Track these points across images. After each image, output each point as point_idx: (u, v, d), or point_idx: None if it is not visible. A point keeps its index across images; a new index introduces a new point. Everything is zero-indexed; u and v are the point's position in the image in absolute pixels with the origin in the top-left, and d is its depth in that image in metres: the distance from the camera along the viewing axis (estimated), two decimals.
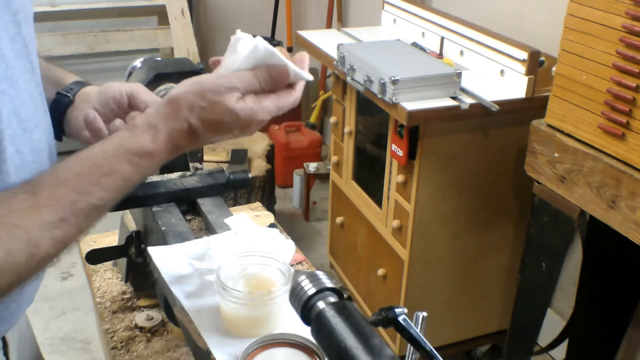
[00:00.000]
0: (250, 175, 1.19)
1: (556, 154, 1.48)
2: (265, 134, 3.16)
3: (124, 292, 1.27)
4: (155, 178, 1.10)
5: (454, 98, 1.80)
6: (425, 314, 0.68)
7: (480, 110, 1.77)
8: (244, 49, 0.78)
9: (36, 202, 0.64)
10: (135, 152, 0.71)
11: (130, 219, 1.28)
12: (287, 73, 0.76)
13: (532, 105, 1.80)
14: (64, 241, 0.67)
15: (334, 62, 2.09)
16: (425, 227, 1.96)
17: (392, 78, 1.74)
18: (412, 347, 0.68)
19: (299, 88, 0.79)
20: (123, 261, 1.24)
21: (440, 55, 2.19)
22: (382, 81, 1.78)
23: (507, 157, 1.97)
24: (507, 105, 1.79)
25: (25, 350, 0.93)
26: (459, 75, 1.80)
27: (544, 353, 2.06)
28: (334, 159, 2.46)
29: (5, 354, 0.83)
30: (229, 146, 2.85)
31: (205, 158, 1.99)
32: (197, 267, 0.98)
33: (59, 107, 0.92)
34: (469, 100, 1.78)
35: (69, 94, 0.93)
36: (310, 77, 0.80)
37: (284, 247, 1.04)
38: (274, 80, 0.76)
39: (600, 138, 1.36)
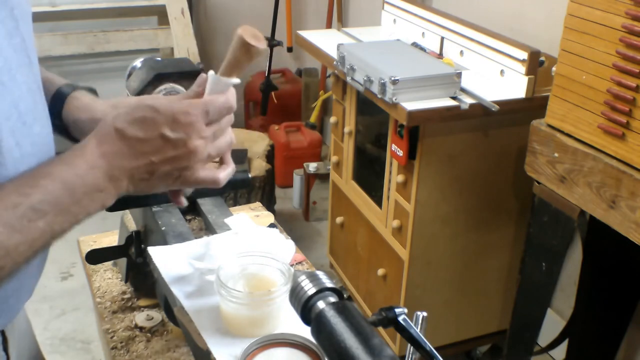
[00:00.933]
0: (250, 175, 1.19)
1: (556, 154, 1.48)
2: (265, 134, 3.16)
3: (124, 292, 1.27)
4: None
5: (454, 98, 1.80)
6: (425, 314, 0.68)
7: (480, 110, 1.77)
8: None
9: None
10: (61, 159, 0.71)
11: (130, 219, 1.28)
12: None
13: (532, 105, 1.80)
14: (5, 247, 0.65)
15: (334, 62, 2.09)
16: (425, 227, 1.96)
17: (392, 78, 1.74)
18: (412, 347, 0.68)
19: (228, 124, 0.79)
20: (123, 261, 1.24)
21: (440, 55, 2.19)
22: (382, 81, 1.78)
23: (507, 157, 1.97)
24: (507, 105, 1.79)
25: (25, 347, 0.93)
26: (459, 75, 1.80)
27: (544, 353, 2.06)
28: (334, 159, 2.46)
29: (5, 349, 0.83)
30: None
31: None
32: (197, 267, 0.98)
33: (58, 103, 0.91)
34: (469, 100, 1.78)
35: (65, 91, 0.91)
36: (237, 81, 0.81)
37: (284, 247, 1.04)
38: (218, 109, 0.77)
39: (600, 138, 1.36)
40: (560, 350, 2.00)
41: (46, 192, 0.68)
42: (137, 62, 1.72)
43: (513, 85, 1.85)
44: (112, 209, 0.82)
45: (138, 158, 0.73)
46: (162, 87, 1.10)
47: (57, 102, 0.91)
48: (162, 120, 0.72)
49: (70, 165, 0.71)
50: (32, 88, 0.75)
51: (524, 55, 1.80)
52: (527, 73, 1.80)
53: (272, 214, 1.33)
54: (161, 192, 0.80)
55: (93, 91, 0.96)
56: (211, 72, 0.81)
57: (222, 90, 0.79)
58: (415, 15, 2.32)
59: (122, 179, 0.73)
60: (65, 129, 0.91)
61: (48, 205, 0.67)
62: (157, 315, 1.21)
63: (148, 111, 0.73)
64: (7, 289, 0.75)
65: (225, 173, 0.80)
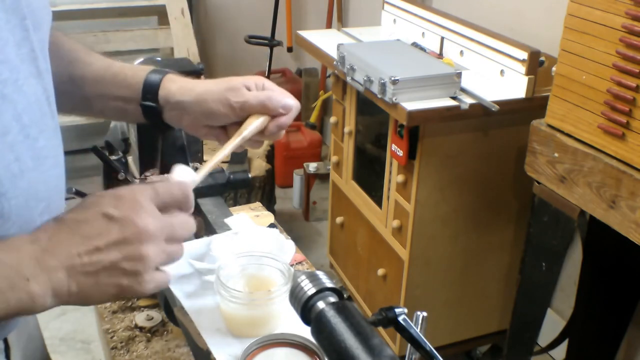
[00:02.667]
0: (250, 175, 1.19)
1: (556, 154, 1.48)
2: None
3: None
4: (156, 178, 1.10)
5: (454, 98, 1.80)
6: (425, 314, 0.68)
7: (480, 110, 1.77)
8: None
9: None
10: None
11: None
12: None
13: (532, 105, 1.80)
14: None
15: (334, 62, 2.08)
16: (425, 227, 1.96)
17: (392, 78, 1.74)
18: (412, 347, 0.68)
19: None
20: None
21: (440, 55, 2.19)
22: (382, 81, 1.78)
23: (507, 157, 1.97)
24: (507, 105, 1.79)
25: (33, 352, 0.93)
26: (459, 75, 1.80)
27: (544, 353, 2.05)
28: (334, 159, 2.46)
29: (7, 356, 0.82)
30: None
31: (205, 158, 1.99)
32: (197, 267, 0.98)
33: (152, 87, 0.92)
34: (469, 100, 1.78)
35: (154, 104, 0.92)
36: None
37: (284, 247, 1.04)
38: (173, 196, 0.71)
39: (600, 138, 1.36)
40: (560, 350, 2.00)
41: None
42: (137, 62, 1.72)
43: (513, 85, 1.85)
44: None
45: (78, 242, 0.63)
46: None
47: (151, 86, 0.91)
48: (105, 200, 0.66)
49: (10, 247, 0.62)
50: (40, 99, 0.73)
51: (524, 55, 1.80)
52: (527, 73, 1.80)
53: (272, 214, 1.33)
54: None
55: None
56: (179, 166, 0.78)
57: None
58: (415, 15, 2.32)
59: (57, 268, 0.62)
60: (159, 113, 0.92)
61: None
62: (157, 315, 1.21)
63: (89, 197, 0.67)
64: None
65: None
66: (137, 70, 0.94)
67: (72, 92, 0.91)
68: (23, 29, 0.70)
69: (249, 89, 0.90)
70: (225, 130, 0.91)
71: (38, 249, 0.62)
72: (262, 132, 0.89)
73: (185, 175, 0.76)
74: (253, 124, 0.88)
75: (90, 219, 0.65)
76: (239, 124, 0.89)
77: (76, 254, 0.63)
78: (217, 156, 0.84)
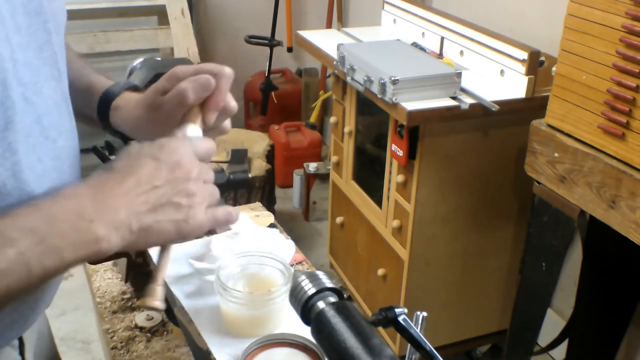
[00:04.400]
0: (250, 175, 1.19)
1: (556, 154, 1.48)
2: (265, 134, 3.16)
3: (124, 292, 1.27)
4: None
5: (454, 98, 1.80)
6: (425, 314, 0.68)
7: (480, 110, 1.77)
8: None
9: None
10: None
11: None
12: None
13: (532, 105, 1.80)
14: None
15: (334, 62, 2.08)
16: (425, 227, 1.96)
17: (392, 78, 1.73)
18: (412, 347, 0.68)
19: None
20: (123, 261, 1.24)
21: (440, 55, 2.19)
22: (382, 81, 1.78)
23: (507, 157, 1.97)
24: (507, 105, 1.79)
25: (43, 350, 0.93)
26: (459, 75, 1.80)
27: (544, 353, 2.05)
28: (334, 159, 2.46)
29: (21, 352, 0.83)
30: (229, 146, 2.85)
31: None
32: (197, 267, 0.98)
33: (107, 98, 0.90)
34: (469, 100, 1.78)
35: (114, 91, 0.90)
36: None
37: (284, 247, 1.04)
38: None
39: (600, 138, 1.36)
40: (560, 350, 2.00)
41: (17, 217, 0.60)
42: (137, 62, 1.72)
43: (513, 85, 1.85)
44: None
45: (134, 183, 0.66)
46: None
47: (103, 114, 0.89)
48: (148, 148, 0.68)
49: (52, 195, 0.64)
50: (59, 102, 0.74)
51: (524, 55, 1.80)
52: (527, 73, 1.80)
53: (272, 214, 1.33)
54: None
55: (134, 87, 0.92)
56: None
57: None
58: (415, 15, 2.32)
59: (118, 208, 0.64)
60: (121, 133, 0.91)
61: (19, 231, 0.59)
62: (157, 315, 1.21)
63: (131, 148, 0.69)
64: (21, 302, 0.74)
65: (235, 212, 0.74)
66: (95, 93, 0.90)
67: None
68: (46, 32, 0.72)
69: (164, 93, 0.80)
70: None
71: (97, 193, 0.64)
72: (208, 126, 0.79)
73: (197, 132, 0.77)
74: (189, 122, 0.77)
75: (141, 164, 0.67)
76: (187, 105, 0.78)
77: (134, 193, 0.65)
78: (163, 268, 0.75)
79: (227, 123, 0.84)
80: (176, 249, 1.03)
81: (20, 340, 0.82)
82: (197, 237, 0.73)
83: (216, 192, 0.72)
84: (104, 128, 0.91)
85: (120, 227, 0.64)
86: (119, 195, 0.65)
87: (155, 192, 0.66)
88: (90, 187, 0.65)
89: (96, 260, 0.68)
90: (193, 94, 0.76)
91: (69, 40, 0.91)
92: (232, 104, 0.81)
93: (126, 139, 0.92)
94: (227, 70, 0.78)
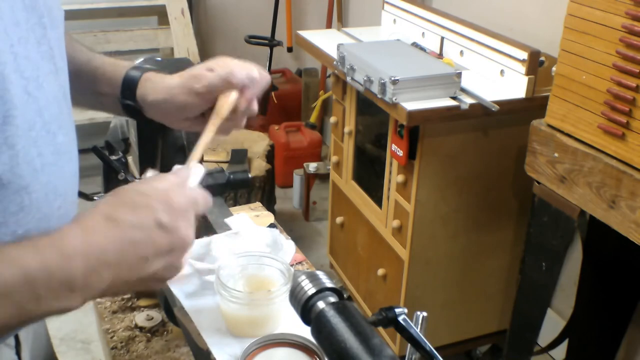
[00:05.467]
0: (250, 175, 1.19)
1: (556, 154, 1.48)
2: (265, 134, 3.16)
3: None
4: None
5: (454, 98, 1.80)
6: (425, 314, 0.68)
7: (480, 110, 1.77)
8: None
9: None
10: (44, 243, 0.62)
11: None
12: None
13: (532, 105, 1.80)
14: None
15: (334, 62, 2.08)
16: (425, 227, 1.96)
17: (392, 78, 1.73)
18: (412, 347, 0.68)
19: None
20: None
21: (440, 55, 2.19)
22: (382, 81, 1.78)
23: (507, 157, 1.97)
24: (507, 105, 1.79)
25: (39, 349, 0.93)
26: (459, 75, 1.80)
27: (544, 353, 2.05)
28: (334, 159, 2.46)
29: (17, 352, 0.83)
30: (229, 146, 2.85)
31: (205, 158, 1.98)
32: (197, 267, 0.98)
33: (130, 85, 0.93)
34: (469, 100, 1.78)
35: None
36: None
37: (284, 247, 1.04)
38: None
39: (600, 138, 1.36)
40: (560, 350, 2.00)
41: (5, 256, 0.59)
42: (137, 62, 1.71)
43: (513, 85, 1.85)
44: None
45: (131, 253, 0.64)
46: None
47: (129, 84, 0.92)
48: (156, 204, 0.67)
49: (39, 252, 0.60)
50: (58, 96, 0.75)
51: (524, 55, 1.80)
52: (527, 73, 1.80)
53: (272, 214, 1.33)
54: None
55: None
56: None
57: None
58: (415, 15, 2.32)
59: (104, 278, 0.63)
60: (139, 110, 0.93)
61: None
62: (157, 315, 1.21)
63: (137, 195, 0.67)
64: None
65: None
66: (117, 67, 0.95)
67: None
68: (41, 27, 0.72)
69: (211, 71, 0.89)
70: (205, 118, 0.91)
71: (89, 259, 0.62)
72: (236, 112, 0.88)
73: (199, 173, 0.77)
74: (225, 103, 0.87)
75: (143, 225, 0.65)
76: (212, 108, 0.88)
77: (126, 264, 0.65)
78: (202, 140, 0.84)
79: (243, 121, 0.92)
80: None
81: (17, 339, 0.82)
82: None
83: (183, 208, 0.70)
84: (123, 99, 0.93)
85: (94, 296, 0.65)
86: (111, 264, 0.63)
87: (146, 265, 0.66)
88: (85, 245, 0.63)
89: None
90: (240, 76, 0.86)
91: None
92: (256, 105, 0.90)
93: (139, 118, 0.95)
94: (267, 75, 0.90)
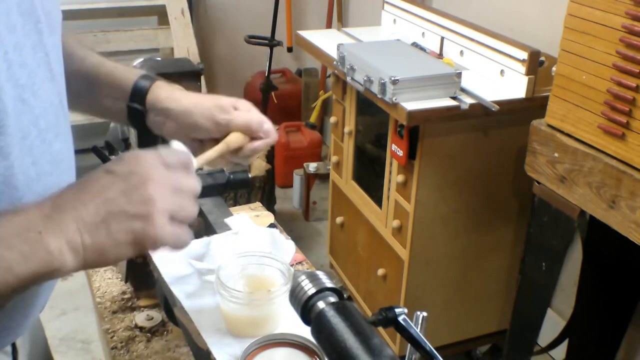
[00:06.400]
0: (250, 175, 1.19)
1: (556, 154, 1.48)
2: None
3: (124, 292, 1.27)
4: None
5: (454, 98, 1.80)
6: (425, 314, 0.68)
7: (480, 110, 1.77)
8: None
9: None
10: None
11: None
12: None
13: (532, 105, 1.80)
14: None
15: (334, 62, 2.08)
16: (425, 227, 1.96)
17: (392, 78, 1.73)
18: (412, 347, 0.68)
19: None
20: (123, 261, 1.24)
21: (440, 55, 2.19)
22: (382, 81, 1.78)
23: (507, 157, 1.97)
24: (507, 105, 1.79)
25: (37, 355, 0.93)
26: (459, 75, 1.80)
27: (544, 353, 2.05)
28: (334, 159, 2.46)
29: (14, 358, 0.82)
30: None
31: None
32: (197, 267, 0.98)
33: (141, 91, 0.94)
34: (469, 100, 1.78)
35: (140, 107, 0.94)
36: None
37: (284, 247, 1.04)
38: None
39: (600, 138, 1.36)
40: (560, 350, 2.00)
41: None
42: (137, 62, 1.71)
43: (513, 85, 1.85)
44: None
45: (85, 197, 0.63)
46: None
47: (140, 89, 0.93)
48: (107, 163, 0.67)
49: (3, 213, 0.61)
50: (54, 103, 0.74)
51: (524, 55, 1.80)
52: (527, 73, 1.80)
53: (272, 214, 1.33)
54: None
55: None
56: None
57: None
58: (415, 15, 2.32)
59: (67, 220, 0.61)
60: (143, 115, 0.94)
61: None
62: (157, 315, 1.21)
63: (132, 161, 0.67)
64: (13, 309, 0.74)
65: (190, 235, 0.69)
66: (127, 73, 0.96)
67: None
68: (37, 33, 0.71)
69: (235, 109, 0.93)
70: (202, 144, 0.93)
71: (46, 207, 0.62)
72: (236, 151, 0.92)
73: (183, 148, 0.77)
74: (237, 138, 0.91)
75: (94, 177, 0.65)
76: (216, 140, 0.91)
77: (82, 204, 0.62)
78: (205, 155, 0.87)
79: (229, 165, 0.97)
80: None
81: (13, 346, 0.82)
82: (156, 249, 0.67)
83: (189, 205, 0.68)
84: (130, 102, 0.94)
85: (71, 240, 0.61)
86: (68, 208, 0.62)
87: (106, 203, 0.63)
88: (40, 203, 0.63)
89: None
90: (258, 127, 0.92)
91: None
92: (253, 159, 0.97)
93: (140, 126, 0.96)
94: (277, 137, 0.97)
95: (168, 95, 0.94)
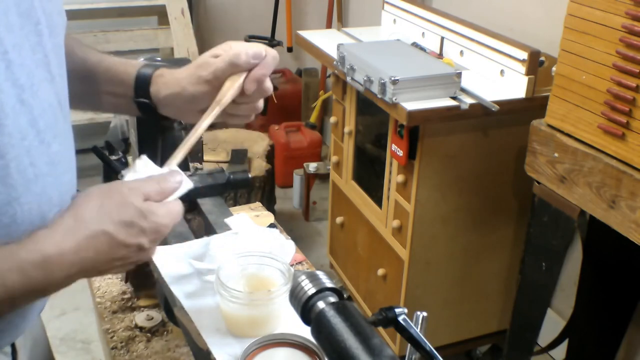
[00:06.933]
0: (250, 175, 1.19)
1: (556, 154, 1.48)
2: (265, 134, 3.16)
3: (124, 292, 1.27)
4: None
5: (454, 98, 1.80)
6: (425, 314, 0.68)
7: (480, 110, 1.77)
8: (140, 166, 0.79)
9: None
10: (31, 260, 0.66)
11: None
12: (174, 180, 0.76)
13: (532, 105, 1.80)
14: None
15: (334, 62, 2.08)
16: (425, 227, 1.96)
17: (392, 78, 1.73)
18: (412, 347, 0.68)
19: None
20: None
21: (440, 55, 2.19)
22: (382, 81, 1.78)
23: (507, 157, 1.97)
24: (507, 105, 1.79)
25: (38, 356, 0.93)
26: (459, 75, 1.80)
27: (544, 353, 2.05)
28: (334, 159, 2.46)
29: (14, 359, 0.82)
30: (229, 146, 2.85)
31: (205, 158, 1.99)
32: (197, 267, 0.98)
33: (143, 84, 0.93)
34: (469, 100, 1.78)
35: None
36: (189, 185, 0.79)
37: (284, 247, 1.04)
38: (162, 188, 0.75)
39: (600, 138, 1.36)
40: (560, 350, 2.00)
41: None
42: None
43: (513, 85, 1.85)
44: None
45: (110, 262, 0.72)
46: None
47: (142, 82, 0.92)
48: (147, 229, 0.72)
49: (45, 270, 0.67)
50: (53, 104, 0.73)
51: (524, 55, 1.80)
52: (527, 73, 1.80)
53: (272, 214, 1.33)
54: None
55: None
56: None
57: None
58: (415, 15, 2.32)
59: (72, 279, 0.72)
60: (154, 107, 0.93)
61: None
62: (157, 315, 1.21)
63: (136, 216, 0.71)
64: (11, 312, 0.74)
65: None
66: (128, 66, 0.94)
67: (69, 88, 0.92)
68: (37, 34, 0.71)
69: (217, 57, 0.87)
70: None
71: (80, 270, 0.71)
72: (248, 95, 0.86)
73: (186, 187, 0.77)
74: (229, 86, 0.85)
75: (129, 245, 0.71)
76: None
77: (104, 269, 0.73)
78: (196, 130, 0.83)
79: (260, 103, 0.90)
80: (176, 249, 1.03)
81: (13, 347, 0.81)
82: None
83: (166, 229, 0.74)
84: (136, 97, 0.93)
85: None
86: (94, 272, 0.73)
87: (108, 263, 0.72)
88: (80, 262, 0.70)
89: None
90: (245, 57, 0.84)
91: None
92: (269, 84, 0.87)
93: (154, 116, 0.95)
94: (274, 52, 0.87)
95: (165, 81, 0.92)
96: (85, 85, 0.94)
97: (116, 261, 0.72)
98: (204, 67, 0.87)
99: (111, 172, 1.57)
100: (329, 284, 0.69)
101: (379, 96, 1.81)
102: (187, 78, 0.88)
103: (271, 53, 0.87)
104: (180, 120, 0.96)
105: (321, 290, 0.68)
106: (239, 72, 0.85)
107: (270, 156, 2.93)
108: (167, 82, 0.91)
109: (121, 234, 0.70)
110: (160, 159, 1.16)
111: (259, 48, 0.86)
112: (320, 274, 0.70)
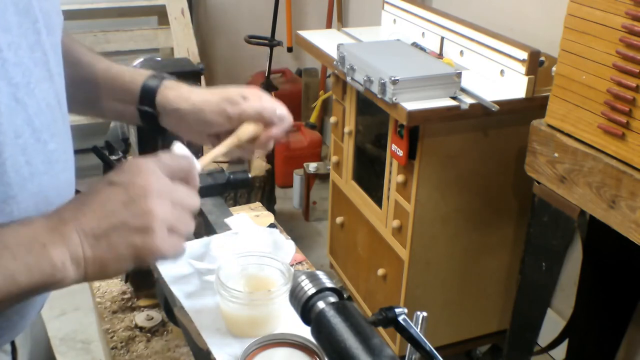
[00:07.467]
0: (250, 175, 1.19)
1: (556, 154, 1.48)
2: None
3: (124, 292, 1.27)
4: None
5: (454, 98, 1.80)
6: (425, 314, 0.68)
7: (480, 110, 1.77)
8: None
9: None
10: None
11: None
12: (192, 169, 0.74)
13: (532, 105, 1.80)
14: None
15: (334, 62, 2.08)
16: (425, 227, 1.96)
17: (392, 78, 1.73)
18: (412, 347, 0.68)
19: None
20: None
21: (440, 55, 2.19)
22: (382, 81, 1.78)
23: (507, 157, 1.97)
24: (507, 105, 1.79)
25: (38, 355, 0.93)
26: (459, 75, 1.80)
27: (544, 353, 2.05)
28: (334, 159, 2.46)
29: (14, 358, 0.82)
30: None
31: None
32: (197, 267, 0.98)
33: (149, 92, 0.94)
34: (469, 100, 1.78)
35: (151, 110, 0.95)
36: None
37: (284, 247, 1.04)
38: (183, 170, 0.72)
39: (600, 138, 1.36)
40: (560, 350, 2.00)
41: None
42: (137, 62, 1.72)
43: (513, 85, 1.85)
44: None
45: (86, 209, 0.64)
46: None
47: (148, 91, 0.94)
48: (109, 174, 0.67)
49: (7, 224, 0.63)
50: (52, 103, 0.73)
51: (524, 55, 1.80)
52: (527, 73, 1.80)
53: (272, 214, 1.33)
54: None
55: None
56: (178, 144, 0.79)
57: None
58: (415, 15, 2.32)
59: (70, 232, 0.62)
60: (156, 117, 0.95)
61: None
62: (157, 315, 1.21)
63: (163, 184, 0.67)
64: (9, 310, 0.73)
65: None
66: (135, 75, 0.96)
67: (73, 94, 0.92)
68: (35, 32, 0.71)
69: (245, 99, 0.93)
70: (219, 138, 0.94)
71: (51, 220, 0.63)
72: (253, 141, 0.92)
73: (186, 151, 0.77)
74: (248, 129, 0.91)
75: (96, 190, 0.66)
76: (232, 131, 0.92)
77: (84, 216, 0.64)
78: (213, 152, 0.87)
79: (254, 154, 0.98)
80: None
81: (13, 345, 0.82)
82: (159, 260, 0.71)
83: (188, 219, 0.69)
84: (140, 105, 0.94)
85: (74, 252, 0.62)
86: (71, 221, 0.63)
87: (108, 215, 0.64)
88: (45, 216, 0.64)
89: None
90: (273, 116, 0.93)
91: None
92: (272, 145, 0.95)
93: (155, 126, 0.96)
94: (291, 118, 0.98)
95: (177, 94, 0.94)
96: (90, 92, 0.95)
97: (93, 210, 0.64)
98: (231, 103, 0.92)
99: None
100: (329, 284, 0.69)
101: (379, 96, 1.81)
102: (209, 104, 0.92)
103: (290, 118, 0.97)
104: (178, 134, 0.96)
105: (321, 290, 0.68)
106: (257, 121, 0.92)
107: (270, 156, 2.93)
108: (180, 97, 0.94)
109: (116, 177, 0.66)
110: None
111: (285, 112, 0.96)
112: (320, 274, 0.70)
